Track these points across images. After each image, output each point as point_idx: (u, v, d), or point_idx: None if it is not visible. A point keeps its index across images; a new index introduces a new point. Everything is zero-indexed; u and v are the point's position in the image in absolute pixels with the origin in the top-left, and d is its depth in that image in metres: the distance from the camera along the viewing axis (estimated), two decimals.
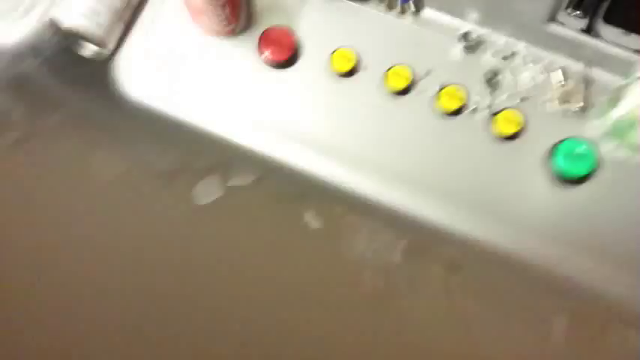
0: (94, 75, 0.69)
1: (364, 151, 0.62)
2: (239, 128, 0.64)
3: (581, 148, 0.58)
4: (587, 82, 0.61)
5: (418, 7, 0.64)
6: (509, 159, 0.60)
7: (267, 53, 0.64)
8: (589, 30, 0.59)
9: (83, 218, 0.73)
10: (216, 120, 0.65)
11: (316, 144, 0.62)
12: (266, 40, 0.64)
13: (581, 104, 0.60)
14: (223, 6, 0.61)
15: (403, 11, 0.64)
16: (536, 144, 0.60)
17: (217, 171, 1.36)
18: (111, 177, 1.40)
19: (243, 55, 0.65)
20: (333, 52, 0.63)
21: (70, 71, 0.71)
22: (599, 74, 0.61)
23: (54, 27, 0.65)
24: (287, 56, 0.64)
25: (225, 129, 0.65)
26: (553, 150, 0.59)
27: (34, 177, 1.41)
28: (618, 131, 0.58)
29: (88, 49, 0.66)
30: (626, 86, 0.57)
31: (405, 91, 0.62)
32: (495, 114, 0.60)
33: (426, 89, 0.62)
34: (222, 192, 1.32)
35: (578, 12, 0.58)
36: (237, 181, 1.38)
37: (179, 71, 0.65)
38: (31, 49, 0.67)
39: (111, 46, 0.65)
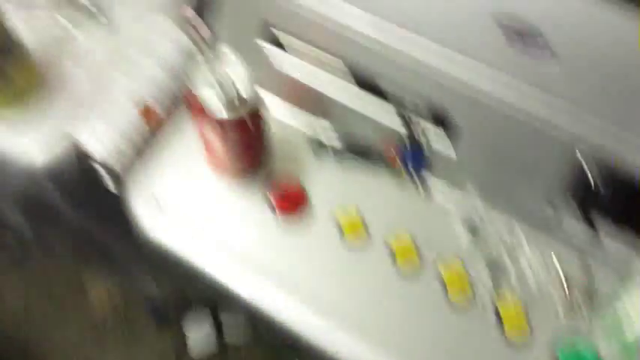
0: (106, 203, 0.71)
1: (365, 320, 0.61)
2: (238, 272, 0.64)
3: (583, 349, 0.58)
4: (589, 278, 0.61)
5: (423, 180, 0.67)
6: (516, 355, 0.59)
7: (275, 201, 0.65)
8: (588, 224, 0.61)
9: (75, 348, 0.72)
10: (216, 261, 0.65)
11: (317, 303, 0.62)
12: (276, 188, 0.66)
13: (583, 303, 0.60)
14: (240, 154, 0.63)
15: (409, 180, 0.67)
16: (539, 342, 0.59)
17: (209, 307, 1.36)
18: (107, 305, 1.41)
19: (254, 201, 0.66)
20: (340, 211, 0.65)
21: (85, 198, 0.73)
22: (599, 269, 0.62)
23: (76, 156, 0.67)
24: (295, 208, 0.65)
25: (223, 271, 0.65)
26: (555, 348, 0.58)
27: (34, 296, 1.41)
28: (618, 330, 0.57)
29: (105, 180, 0.68)
30: (625, 284, 0.57)
31: (407, 262, 0.63)
32: (499, 306, 0.60)
33: (429, 263, 0.63)
34: (218, 350, 1.33)
35: (576, 207, 0.60)
36: (231, 335, 1.37)
37: (189, 209, 0.67)
38: (50, 174, 0.69)
39: (127, 178, 0.67)
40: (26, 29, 0.68)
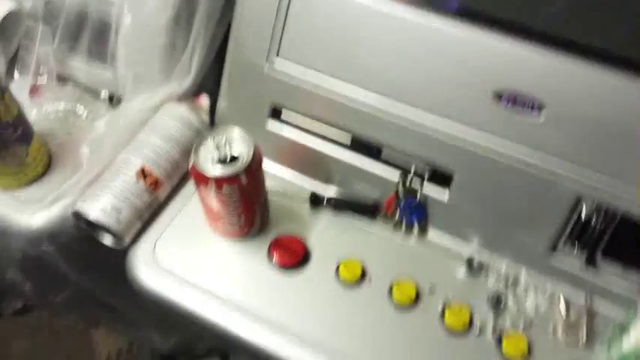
0: (108, 264, 0.72)
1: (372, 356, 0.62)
2: (244, 324, 0.65)
3: None
4: (590, 313, 0.62)
5: (422, 230, 0.69)
6: None
7: (277, 257, 0.67)
8: (589, 262, 0.62)
9: None
10: (224, 313, 0.66)
11: (321, 351, 0.63)
12: (277, 245, 0.67)
13: (584, 337, 0.61)
14: (239, 215, 0.65)
15: (408, 232, 0.68)
16: None
17: (217, 356, 1.36)
18: (113, 352, 1.41)
19: (254, 258, 0.68)
20: (341, 261, 0.66)
21: (85, 258, 0.75)
22: (602, 305, 0.63)
23: (76, 219, 0.68)
24: (295, 261, 0.67)
25: (233, 323, 0.65)
26: None
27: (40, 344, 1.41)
28: None
29: (106, 240, 0.69)
30: (628, 322, 0.58)
31: (409, 306, 0.64)
32: (501, 336, 0.61)
33: (430, 306, 0.64)
34: None
35: (577, 245, 0.62)
36: None
37: (192, 267, 0.68)
38: (50, 235, 0.71)
39: (127, 239, 0.69)
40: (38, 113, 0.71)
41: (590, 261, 0.62)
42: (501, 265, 0.66)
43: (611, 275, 0.62)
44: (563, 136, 0.58)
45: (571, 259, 0.64)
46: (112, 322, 1.25)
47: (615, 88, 0.55)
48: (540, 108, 0.57)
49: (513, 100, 0.58)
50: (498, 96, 0.58)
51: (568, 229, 0.62)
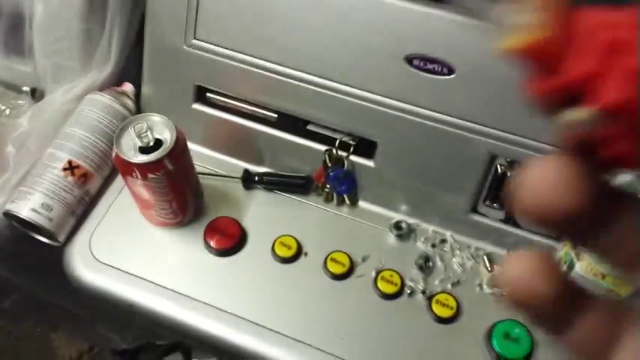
0: (46, 262, 0.71)
1: (309, 335, 0.63)
2: (190, 312, 0.65)
3: (515, 331, 0.60)
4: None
5: (353, 201, 0.69)
6: (448, 341, 0.61)
7: (213, 242, 0.67)
8: (508, 220, 0.64)
9: None
10: (166, 303, 0.66)
11: (263, 329, 0.64)
12: (213, 229, 0.67)
13: None
14: (170, 201, 0.64)
15: (340, 204, 0.69)
16: (472, 327, 0.62)
17: (180, 350, 1.36)
18: (74, 354, 1.40)
19: (191, 244, 0.68)
20: (276, 239, 0.66)
21: (24, 259, 0.73)
22: None
23: (7, 220, 0.67)
24: (232, 244, 0.67)
25: (177, 312, 0.65)
26: (489, 333, 0.61)
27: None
28: None
29: (41, 239, 0.68)
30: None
31: (344, 276, 0.65)
32: (431, 297, 0.63)
33: (363, 274, 0.65)
34: None
35: (495, 204, 0.63)
36: None
37: (129, 258, 0.67)
38: None
39: (62, 236, 0.68)
40: None
41: (509, 217, 0.64)
42: (428, 228, 0.67)
43: (529, 229, 0.65)
44: (474, 97, 0.59)
45: (492, 214, 0.66)
46: (70, 324, 1.24)
47: None
48: (450, 70, 0.58)
49: (424, 64, 0.59)
50: (410, 60, 0.59)
51: (486, 188, 0.63)
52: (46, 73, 0.70)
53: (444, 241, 0.66)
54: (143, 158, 0.59)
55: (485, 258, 0.64)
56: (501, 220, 0.65)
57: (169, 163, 0.60)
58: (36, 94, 0.73)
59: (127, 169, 0.60)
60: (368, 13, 0.60)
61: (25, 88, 0.73)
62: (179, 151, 0.61)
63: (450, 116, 0.61)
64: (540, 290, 0.20)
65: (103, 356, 1.42)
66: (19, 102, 0.74)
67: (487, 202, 0.64)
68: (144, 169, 0.59)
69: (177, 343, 1.34)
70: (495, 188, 0.63)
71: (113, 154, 0.61)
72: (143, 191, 0.63)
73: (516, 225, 0.64)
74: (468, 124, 0.60)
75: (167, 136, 0.61)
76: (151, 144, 0.60)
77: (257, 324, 0.63)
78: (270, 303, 0.64)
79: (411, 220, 0.68)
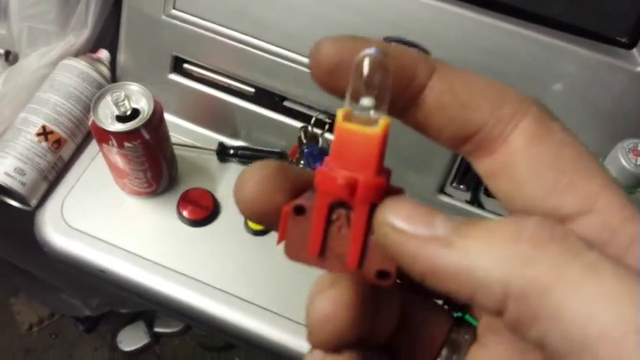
0: (17, 226, 0.71)
1: (279, 305, 0.64)
2: (162, 279, 0.66)
3: None
4: None
5: None
6: None
7: (186, 212, 0.68)
8: (473, 201, 0.67)
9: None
10: (138, 271, 0.67)
11: (232, 296, 0.64)
12: (186, 200, 0.68)
13: None
14: (145, 171, 0.65)
15: None
16: None
17: (142, 318, 1.36)
18: (34, 320, 1.39)
19: (164, 214, 0.69)
20: None
21: None
22: None
23: None
24: (205, 215, 0.68)
25: (148, 280, 0.66)
26: None
27: None
28: None
29: (12, 203, 0.68)
30: None
31: None
32: None
33: None
34: (148, 339, 1.33)
35: (461, 186, 0.66)
36: (163, 329, 1.37)
37: (101, 226, 0.68)
38: None
39: (34, 201, 0.67)
40: None
41: (475, 199, 0.67)
42: None
43: (493, 210, 0.67)
44: None
45: (459, 195, 0.68)
46: (32, 290, 1.23)
47: (494, 33, 0.59)
48: (426, 53, 0.60)
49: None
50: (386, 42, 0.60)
51: (454, 170, 0.66)
52: (21, 36, 0.69)
53: None
54: (120, 127, 0.59)
55: None
56: (467, 201, 0.68)
57: (146, 132, 0.60)
58: (10, 57, 0.72)
59: (103, 136, 0.60)
60: None
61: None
62: (156, 121, 0.61)
63: None
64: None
65: (64, 323, 1.42)
66: None
67: (454, 184, 0.66)
68: (120, 137, 0.60)
69: (140, 311, 1.35)
70: (462, 171, 0.66)
71: (90, 122, 0.61)
72: (118, 160, 0.63)
73: (481, 206, 0.67)
74: None
75: (144, 106, 0.61)
76: (128, 113, 0.61)
77: (227, 292, 0.64)
78: (241, 273, 0.66)
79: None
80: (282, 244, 0.21)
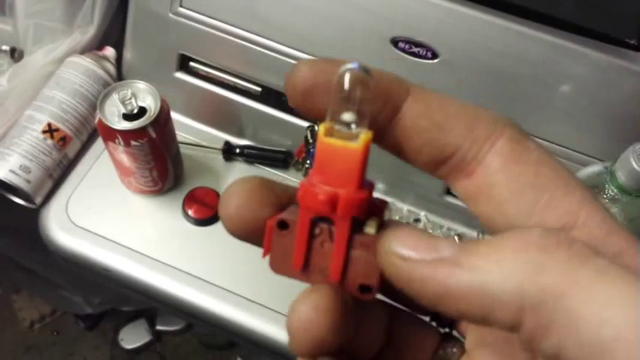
0: (20, 223, 0.70)
1: (283, 305, 0.65)
2: (166, 278, 0.66)
3: None
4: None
5: None
6: None
7: (192, 211, 0.67)
8: None
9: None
10: (142, 269, 0.67)
11: (240, 297, 0.65)
12: (192, 199, 0.68)
13: None
14: (151, 169, 0.65)
15: None
16: None
17: (144, 316, 1.36)
18: (36, 317, 1.39)
19: (170, 213, 0.68)
20: None
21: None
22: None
23: None
24: (211, 214, 0.68)
25: (152, 278, 0.66)
26: None
27: None
28: None
29: (17, 201, 0.68)
30: None
31: None
32: None
33: None
34: (150, 337, 1.33)
35: None
36: (165, 327, 1.37)
37: (106, 224, 0.68)
38: None
39: (39, 200, 0.67)
40: None
41: None
42: (403, 208, 0.69)
43: None
44: (455, 82, 0.61)
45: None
46: (34, 287, 1.23)
47: (504, 35, 0.58)
48: (435, 54, 0.60)
49: (410, 47, 0.60)
50: (395, 42, 0.60)
51: None
52: (27, 33, 0.69)
53: (417, 220, 0.68)
54: (127, 125, 0.59)
55: (456, 238, 0.67)
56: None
57: (153, 131, 0.60)
58: (15, 54, 0.72)
59: (109, 135, 0.60)
60: None
61: (4, 47, 0.71)
62: (163, 119, 0.61)
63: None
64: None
65: (66, 320, 1.42)
66: None
67: None
68: (127, 136, 0.59)
69: (142, 309, 1.35)
70: None
71: (96, 120, 0.61)
72: (124, 158, 0.63)
73: None
74: None
75: (151, 104, 0.61)
76: (135, 111, 0.60)
77: (232, 292, 0.64)
78: (246, 272, 0.66)
79: (386, 199, 0.70)
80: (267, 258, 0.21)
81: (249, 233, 0.21)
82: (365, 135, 0.19)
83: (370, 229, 0.20)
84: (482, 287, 0.17)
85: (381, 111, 0.20)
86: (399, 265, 0.19)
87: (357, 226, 0.20)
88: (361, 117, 0.20)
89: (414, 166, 0.21)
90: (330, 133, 0.20)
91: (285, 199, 0.21)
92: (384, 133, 0.21)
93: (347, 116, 0.19)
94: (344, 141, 0.19)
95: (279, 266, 0.21)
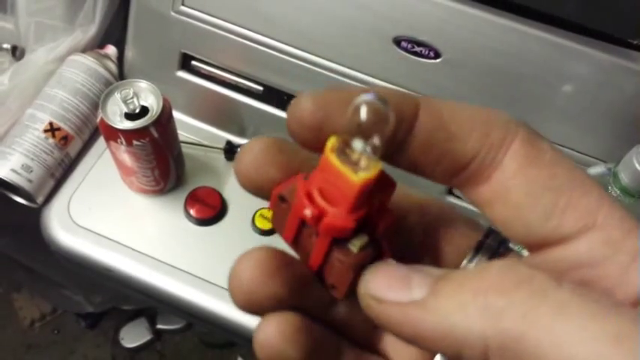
0: (21, 222, 0.70)
1: None
2: (168, 278, 0.66)
3: None
4: None
5: None
6: None
7: (194, 211, 0.67)
8: None
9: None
10: (144, 269, 0.67)
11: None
12: (194, 198, 0.68)
13: None
14: (153, 169, 0.65)
15: None
16: None
17: (145, 315, 1.36)
18: (36, 315, 1.39)
19: (171, 212, 0.68)
20: (257, 212, 0.67)
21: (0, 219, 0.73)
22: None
23: None
24: (213, 214, 0.68)
25: (154, 278, 0.66)
26: None
27: None
28: None
29: (19, 200, 0.67)
30: None
31: None
32: None
33: None
34: (151, 336, 1.34)
35: None
36: (165, 326, 1.37)
37: (108, 223, 0.68)
38: None
39: (40, 199, 0.67)
40: None
41: None
42: None
43: None
44: (457, 82, 0.61)
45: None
46: (34, 286, 1.23)
47: (507, 34, 0.58)
48: (437, 54, 0.60)
49: (412, 46, 0.60)
50: (398, 42, 0.60)
51: None
52: (28, 31, 0.69)
53: None
54: (129, 125, 0.59)
55: None
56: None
57: (155, 130, 0.60)
58: (17, 53, 0.71)
59: (111, 134, 0.60)
60: None
61: (6, 46, 0.71)
62: (165, 119, 0.61)
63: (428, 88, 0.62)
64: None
65: (66, 319, 1.42)
66: None
67: None
68: (129, 135, 0.59)
69: (142, 308, 1.35)
70: None
71: (98, 119, 0.60)
72: (126, 157, 0.63)
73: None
74: None
75: (153, 104, 0.61)
76: (137, 111, 0.60)
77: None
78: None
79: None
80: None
81: (258, 190, 0.22)
82: (374, 168, 0.19)
83: (352, 247, 0.20)
84: (449, 331, 0.17)
85: (394, 132, 0.19)
86: (374, 307, 0.19)
87: (337, 240, 0.20)
88: (374, 148, 0.19)
89: (429, 180, 0.21)
90: (337, 149, 0.19)
91: (297, 162, 0.21)
92: (400, 152, 0.20)
93: (358, 145, 0.19)
94: (347, 167, 0.19)
95: (278, 228, 0.22)
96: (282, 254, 0.21)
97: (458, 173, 0.20)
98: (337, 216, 0.19)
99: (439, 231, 0.23)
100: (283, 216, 0.21)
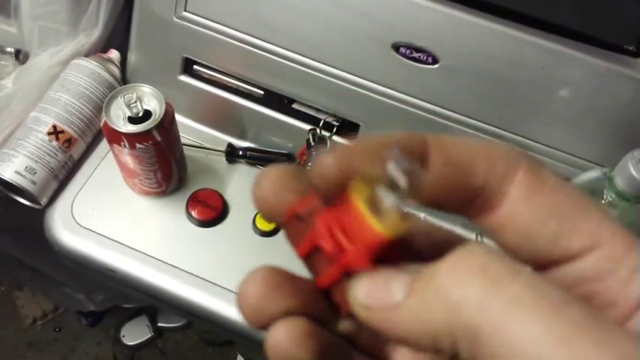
0: (25, 223, 0.71)
1: None
2: (170, 279, 0.66)
3: None
4: None
5: None
6: None
7: (195, 212, 0.68)
8: None
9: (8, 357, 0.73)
10: (146, 270, 0.67)
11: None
12: (195, 200, 0.69)
13: None
14: (155, 171, 0.66)
15: None
16: None
17: (146, 313, 1.37)
18: (38, 314, 1.40)
19: (173, 214, 0.69)
20: (257, 213, 0.68)
21: (3, 220, 0.74)
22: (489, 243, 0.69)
23: None
24: (214, 216, 0.69)
25: (156, 278, 0.67)
26: None
27: None
28: None
29: (22, 201, 0.68)
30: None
31: None
32: None
33: None
34: (151, 334, 1.34)
35: None
36: (166, 324, 1.37)
37: (111, 225, 0.68)
38: None
39: (44, 201, 0.68)
40: None
41: None
42: None
43: None
44: (455, 87, 0.62)
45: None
46: (36, 284, 1.24)
47: (504, 41, 0.59)
48: (435, 60, 0.61)
49: (410, 52, 0.61)
50: (396, 47, 0.61)
51: None
52: (32, 35, 0.70)
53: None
54: (132, 128, 0.60)
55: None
56: None
57: (158, 134, 0.61)
58: (20, 56, 0.72)
59: (115, 137, 0.61)
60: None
61: (10, 49, 0.72)
62: (167, 122, 0.62)
63: (431, 104, 0.63)
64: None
65: (68, 317, 1.43)
66: (2, 63, 0.73)
67: None
68: (132, 139, 0.60)
69: (143, 306, 1.36)
70: None
71: (102, 123, 0.61)
72: (129, 160, 0.64)
73: None
74: (448, 112, 0.63)
75: (156, 107, 0.62)
76: (140, 114, 0.61)
77: (235, 292, 0.64)
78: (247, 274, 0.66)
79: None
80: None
81: (274, 214, 0.22)
82: (401, 227, 0.19)
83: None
84: (423, 328, 0.18)
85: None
86: (362, 313, 0.20)
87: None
88: (402, 202, 0.19)
89: (440, 211, 0.22)
90: (364, 192, 0.19)
91: (311, 189, 0.22)
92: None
93: (389, 200, 0.19)
94: (373, 216, 0.19)
95: (291, 241, 0.23)
96: (284, 271, 0.22)
97: (467, 205, 0.22)
98: (356, 257, 0.20)
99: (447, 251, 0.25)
100: (298, 232, 0.22)
